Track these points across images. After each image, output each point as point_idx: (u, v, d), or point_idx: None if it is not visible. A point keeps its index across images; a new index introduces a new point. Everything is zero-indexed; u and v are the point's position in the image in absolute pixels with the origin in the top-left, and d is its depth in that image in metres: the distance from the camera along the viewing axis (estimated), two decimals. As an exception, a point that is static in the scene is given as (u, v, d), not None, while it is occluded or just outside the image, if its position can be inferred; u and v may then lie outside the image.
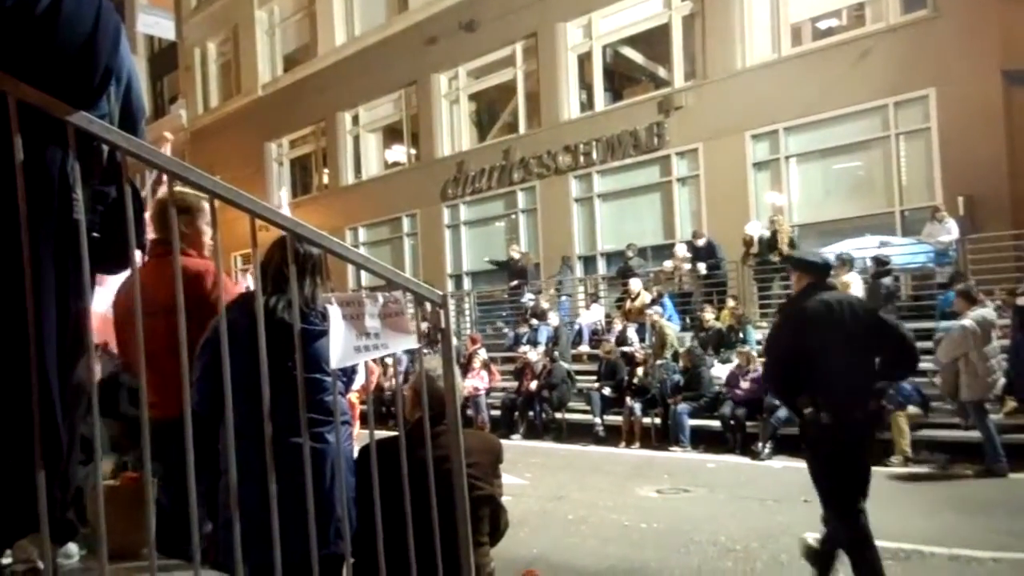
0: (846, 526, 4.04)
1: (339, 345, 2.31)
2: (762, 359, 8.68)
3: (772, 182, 13.52)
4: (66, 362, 1.90)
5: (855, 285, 10.31)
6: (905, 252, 11.40)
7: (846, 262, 10.59)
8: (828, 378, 4.01)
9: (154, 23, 24.37)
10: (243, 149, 21.95)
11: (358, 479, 2.62)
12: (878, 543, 3.98)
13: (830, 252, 11.61)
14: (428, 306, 2.63)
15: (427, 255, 18.45)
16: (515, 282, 15.64)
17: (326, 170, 21.32)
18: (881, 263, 10.67)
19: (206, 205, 3.09)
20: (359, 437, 3.03)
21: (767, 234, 12.34)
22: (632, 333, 12.68)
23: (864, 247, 11.36)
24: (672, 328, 12.13)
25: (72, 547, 2.05)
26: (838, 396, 4.01)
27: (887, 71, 11.96)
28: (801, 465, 4.49)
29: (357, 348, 2.33)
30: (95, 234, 1.97)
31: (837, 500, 4.07)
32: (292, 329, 2.26)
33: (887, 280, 10.58)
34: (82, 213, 1.82)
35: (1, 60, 1.64)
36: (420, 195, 18.32)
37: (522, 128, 17.06)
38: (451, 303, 12.80)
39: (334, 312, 2.31)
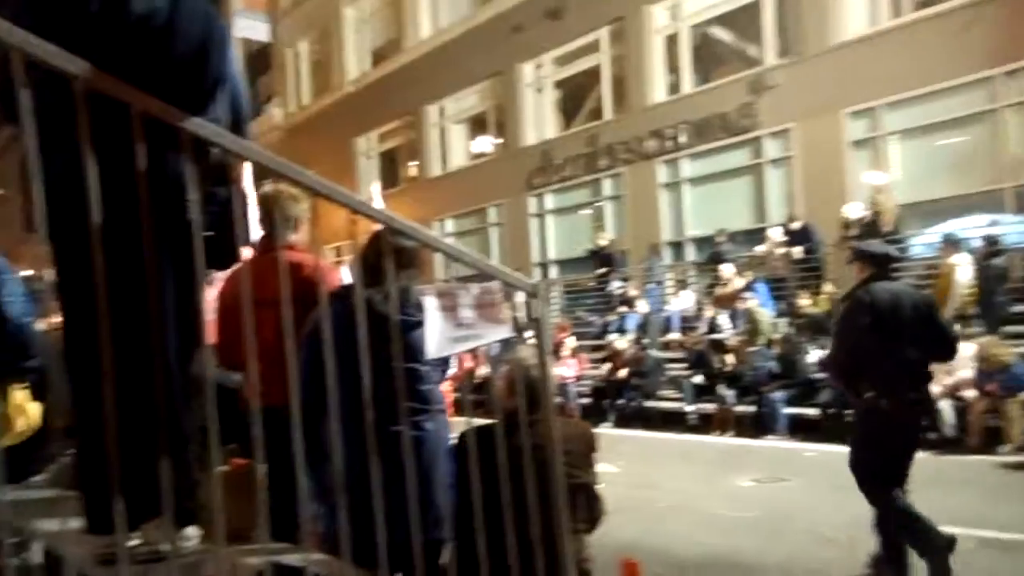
0: (882, 506, 4.34)
1: (435, 336, 2.36)
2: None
3: (871, 161, 12.98)
4: (185, 355, 2.02)
5: (964, 267, 9.83)
6: (1017, 231, 10.78)
7: (954, 243, 10.11)
8: (887, 365, 4.29)
9: (249, 26, 25.30)
10: (333, 145, 22.53)
11: (455, 466, 2.68)
12: (985, 532, 3.89)
13: (935, 232, 11.13)
14: (517, 296, 2.66)
15: (513, 245, 18.55)
16: (602, 270, 15.56)
17: (413, 163, 21.67)
18: (991, 243, 10.14)
19: (305, 202, 3.21)
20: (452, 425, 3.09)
21: (867, 215, 11.87)
22: (724, 320, 12.44)
23: (973, 227, 10.80)
24: (766, 314, 11.84)
25: (191, 530, 2.17)
26: (895, 383, 4.30)
27: (992, 41, 11.28)
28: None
29: (453, 339, 2.39)
30: (208, 233, 2.07)
31: (877, 482, 4.35)
32: (389, 321, 2.32)
33: (998, 260, 10.04)
34: (196, 214, 1.92)
35: (123, 72, 1.75)
36: (506, 185, 18.42)
37: (608, 114, 16.91)
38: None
39: (430, 303, 2.37)
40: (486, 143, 20.37)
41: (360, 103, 22.35)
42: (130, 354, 1.85)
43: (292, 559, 2.10)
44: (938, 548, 4.12)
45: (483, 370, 11.49)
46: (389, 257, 2.28)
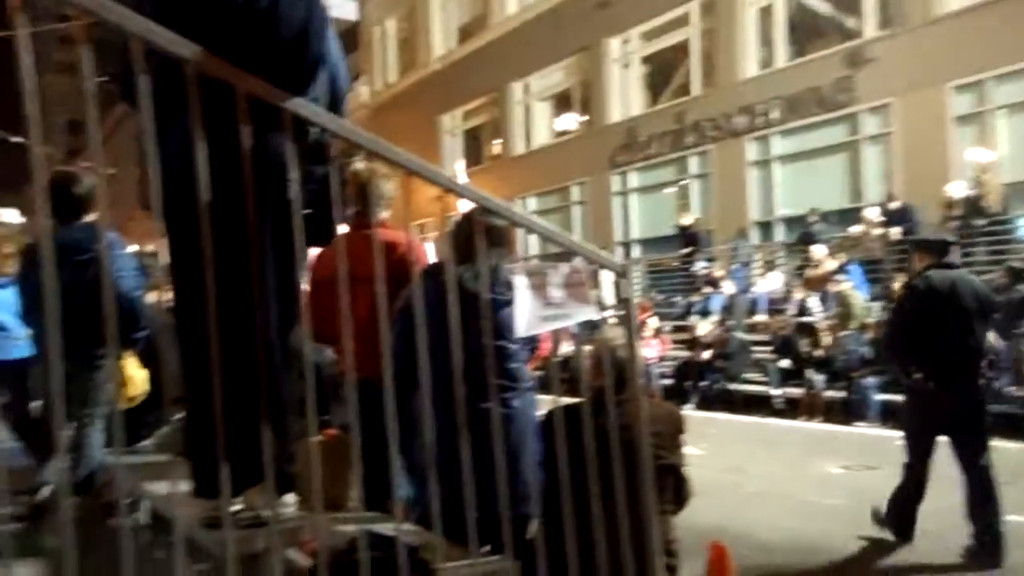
0: (907, 474, 4.77)
1: (525, 314, 2.38)
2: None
3: (976, 137, 12.29)
4: (284, 329, 2.10)
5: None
6: None
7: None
8: (939, 351, 4.54)
9: (338, 5, 25.68)
10: (418, 122, 22.77)
11: (542, 444, 2.70)
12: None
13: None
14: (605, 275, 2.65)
15: (595, 223, 18.41)
16: (687, 249, 15.30)
17: (496, 141, 21.70)
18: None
19: (394, 181, 3.26)
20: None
21: (970, 195, 11.28)
22: (814, 302, 12.06)
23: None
24: (859, 297, 11.42)
25: (289, 497, 2.26)
26: (945, 367, 4.54)
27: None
28: (1006, 445, 4.52)
29: (542, 317, 2.40)
30: (306, 211, 2.13)
31: (913, 454, 4.75)
32: (479, 299, 2.35)
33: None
34: (296, 192, 1.98)
35: (228, 54, 1.81)
36: (589, 163, 18.26)
37: (696, 90, 16.51)
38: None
39: (519, 282, 2.38)
40: (570, 120, 20.21)
41: (445, 81, 22.48)
42: (234, 328, 1.93)
43: (385, 528, 2.16)
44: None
45: (565, 348, 11.52)
46: (480, 236, 2.30)
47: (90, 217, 3.33)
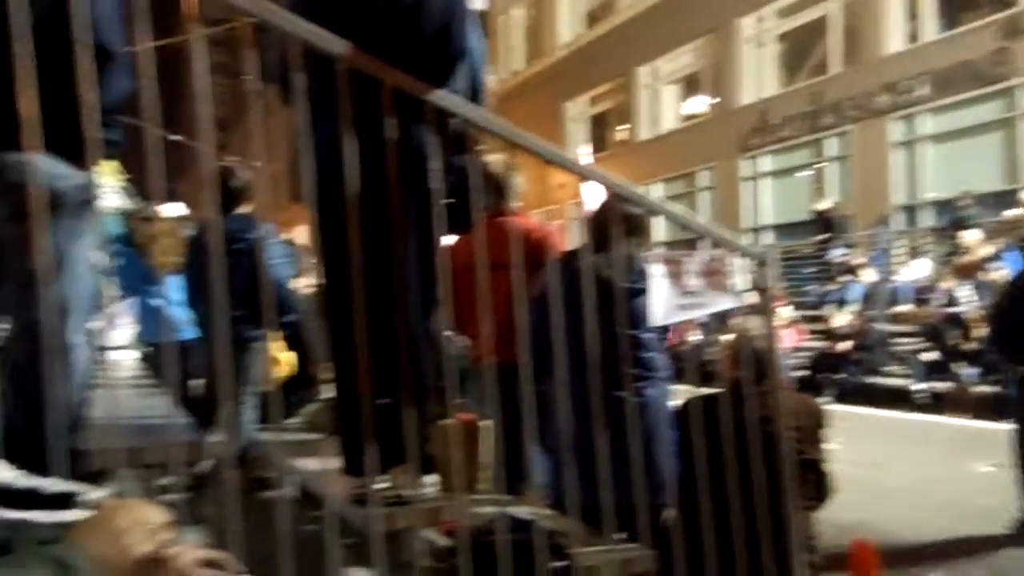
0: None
1: (660, 303, 2.35)
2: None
3: None
4: (425, 314, 2.17)
5: None
6: None
7: None
8: None
9: (468, -5, 26.00)
10: (543, 110, 22.82)
11: (677, 433, 2.67)
12: None
13: None
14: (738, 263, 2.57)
15: (724, 209, 17.89)
16: (823, 236, 14.62)
17: (622, 127, 21.45)
18: None
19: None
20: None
21: None
22: (965, 292, 11.27)
23: None
24: (1016, 286, 10.59)
25: (430, 478, 2.33)
26: None
27: None
28: None
29: (678, 306, 2.36)
30: (447, 200, 2.19)
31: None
32: (613, 287, 2.34)
33: None
34: (438, 182, 2.03)
35: (373, 49, 1.87)
36: (718, 147, 17.75)
37: (835, 68, 15.71)
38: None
39: (655, 270, 2.35)
40: (699, 104, 19.70)
41: (571, 67, 22.41)
42: (379, 312, 2.01)
43: (522, 512, 2.20)
44: None
45: (693, 337, 11.33)
46: (617, 224, 2.29)
47: (245, 208, 3.54)
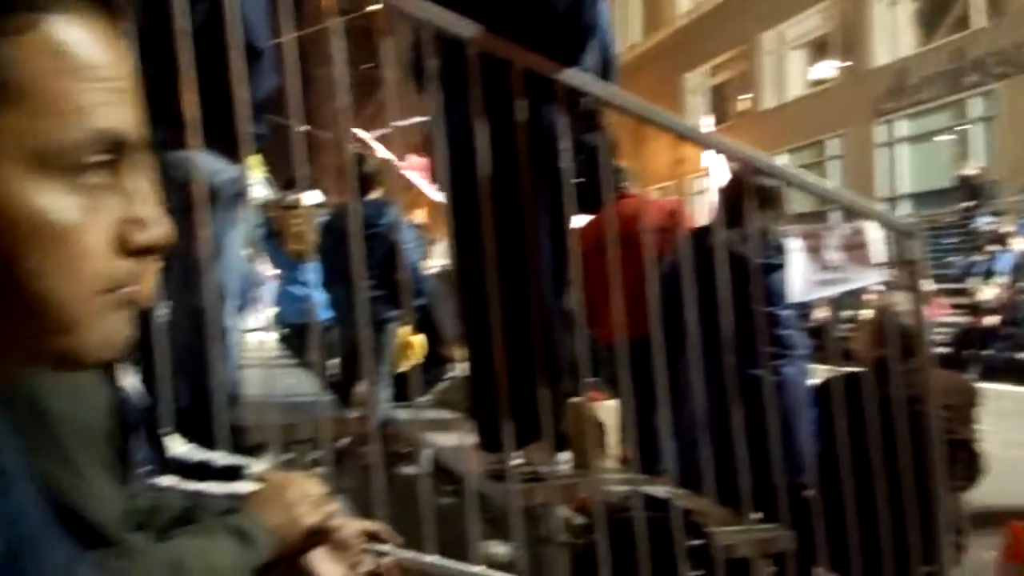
0: None
1: (798, 279, 2.27)
2: None
3: None
4: (558, 293, 2.18)
5: None
6: None
7: None
8: None
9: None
10: (662, 82, 22.29)
11: (817, 412, 2.58)
12: None
13: None
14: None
15: (856, 178, 16.98)
16: (968, 203, 13.66)
17: (744, 96, 20.70)
18: None
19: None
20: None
21: None
22: None
23: None
24: None
25: (564, 455, 2.35)
26: None
27: None
28: None
29: (818, 282, 2.28)
30: (577, 180, 2.18)
31: None
32: (748, 263, 2.28)
33: None
34: (567, 162, 2.03)
35: (503, 30, 1.88)
36: (849, 113, 16.83)
37: (979, 22, 14.56)
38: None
39: (793, 245, 2.27)
40: (827, 68, 18.73)
41: (691, 37, 21.78)
42: (513, 292, 2.04)
43: (657, 491, 2.19)
44: None
45: (820, 313, 10.89)
46: (750, 196, 2.23)
47: (376, 193, 3.67)
